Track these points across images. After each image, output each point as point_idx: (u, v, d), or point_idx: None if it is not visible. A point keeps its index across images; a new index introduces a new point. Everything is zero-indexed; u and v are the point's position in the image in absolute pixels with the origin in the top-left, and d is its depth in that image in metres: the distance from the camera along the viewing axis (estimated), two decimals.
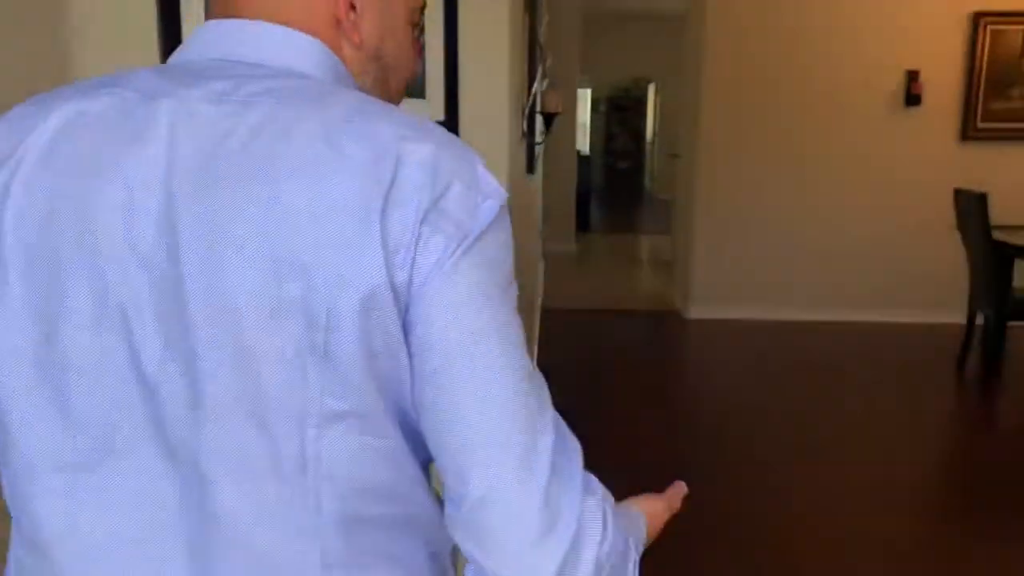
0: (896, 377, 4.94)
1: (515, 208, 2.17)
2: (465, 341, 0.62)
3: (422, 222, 0.61)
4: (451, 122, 1.90)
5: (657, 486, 0.90)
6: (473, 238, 0.62)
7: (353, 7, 0.73)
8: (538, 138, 3.18)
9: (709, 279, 6.13)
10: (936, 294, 5.97)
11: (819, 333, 5.82)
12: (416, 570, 0.71)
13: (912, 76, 5.75)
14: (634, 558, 0.72)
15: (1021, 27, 5.62)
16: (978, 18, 5.63)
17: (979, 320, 4.93)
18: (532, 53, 3.23)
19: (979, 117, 5.76)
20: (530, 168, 3.24)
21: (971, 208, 4.61)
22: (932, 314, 5.96)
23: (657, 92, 14.32)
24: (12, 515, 0.71)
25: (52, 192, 0.63)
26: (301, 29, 0.70)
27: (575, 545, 0.64)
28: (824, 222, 5.99)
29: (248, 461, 0.63)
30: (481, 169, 0.65)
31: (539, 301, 3.75)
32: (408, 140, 0.63)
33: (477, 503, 0.63)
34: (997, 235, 4.55)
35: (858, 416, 4.27)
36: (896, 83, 5.82)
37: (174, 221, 0.61)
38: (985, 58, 5.67)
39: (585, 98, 13.93)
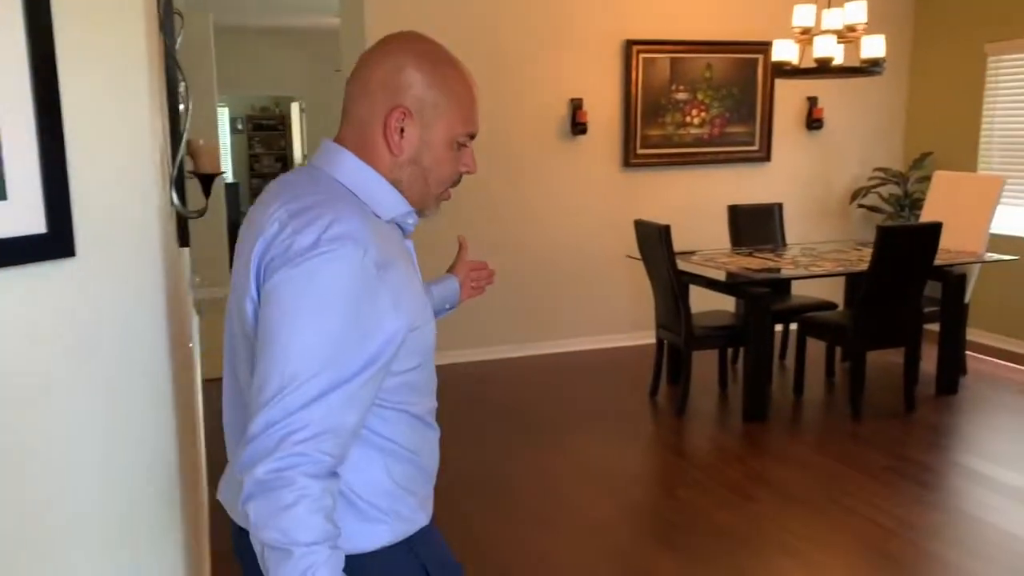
0: (591, 407, 4.87)
1: (168, 289, 1.48)
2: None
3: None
4: (60, 232, 1.09)
5: None
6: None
7: (402, 131, 1.23)
8: (195, 206, 2.39)
9: None
10: (620, 319, 6.02)
11: (515, 369, 5.58)
12: None
13: (577, 104, 5.70)
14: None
15: (668, 55, 5.83)
16: (630, 47, 5.74)
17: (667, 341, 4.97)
18: (172, 86, 2.42)
19: (638, 144, 5.88)
20: (183, 241, 2.49)
21: (654, 239, 4.58)
22: (618, 339, 6.01)
23: (303, 110, 13.54)
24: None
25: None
26: (355, 147, 1.25)
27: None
28: (511, 254, 5.73)
29: None
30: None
31: (199, 369, 3.01)
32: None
33: None
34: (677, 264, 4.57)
35: (551, 452, 4.17)
36: (564, 112, 5.74)
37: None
38: (640, 86, 5.80)
39: (223, 117, 12.73)
